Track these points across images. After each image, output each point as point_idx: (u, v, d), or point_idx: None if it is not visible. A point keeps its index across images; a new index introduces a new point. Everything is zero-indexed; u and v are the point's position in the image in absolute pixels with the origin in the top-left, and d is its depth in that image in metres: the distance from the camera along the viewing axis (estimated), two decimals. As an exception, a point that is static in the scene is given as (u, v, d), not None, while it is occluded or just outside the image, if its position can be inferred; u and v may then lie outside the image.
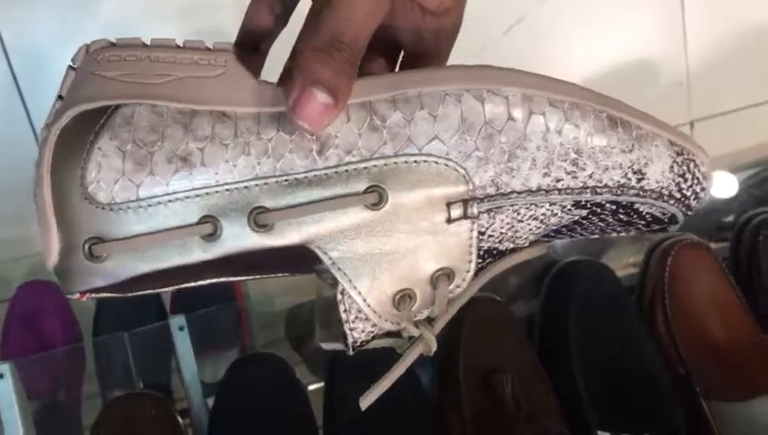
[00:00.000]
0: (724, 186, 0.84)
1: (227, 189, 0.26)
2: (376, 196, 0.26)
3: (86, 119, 0.27)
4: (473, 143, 0.27)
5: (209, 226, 0.26)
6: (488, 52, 0.90)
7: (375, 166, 0.26)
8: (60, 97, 0.27)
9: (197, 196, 0.26)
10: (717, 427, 0.54)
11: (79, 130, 0.26)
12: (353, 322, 0.28)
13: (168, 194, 0.26)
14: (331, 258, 0.27)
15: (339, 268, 0.27)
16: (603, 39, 0.98)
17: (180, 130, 0.26)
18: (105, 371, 0.62)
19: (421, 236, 0.27)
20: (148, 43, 0.28)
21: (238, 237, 0.27)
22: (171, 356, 0.62)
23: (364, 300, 0.28)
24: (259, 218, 0.26)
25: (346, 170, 0.26)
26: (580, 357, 0.56)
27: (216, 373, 0.64)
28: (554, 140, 0.27)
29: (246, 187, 0.26)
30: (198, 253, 0.27)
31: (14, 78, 0.84)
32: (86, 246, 0.26)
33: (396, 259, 0.27)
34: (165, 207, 0.26)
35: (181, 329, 0.56)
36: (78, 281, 0.27)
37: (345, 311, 0.28)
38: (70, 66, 0.28)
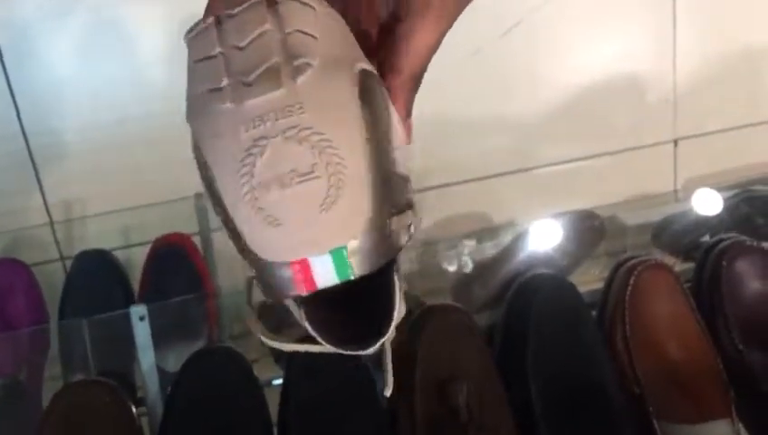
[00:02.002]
0: (708, 203, 0.85)
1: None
2: None
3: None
4: None
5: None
6: (483, 54, 0.90)
7: None
8: (312, 35, 0.22)
9: None
10: (668, 448, 0.55)
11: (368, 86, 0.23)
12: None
13: None
14: None
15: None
16: (596, 49, 0.98)
17: None
18: (67, 355, 0.62)
19: None
20: None
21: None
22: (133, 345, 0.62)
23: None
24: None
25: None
26: (536, 370, 0.56)
27: (180, 363, 0.64)
28: None
29: None
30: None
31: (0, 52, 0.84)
32: (392, 220, 0.23)
33: None
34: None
35: (141, 319, 0.56)
36: (372, 261, 0.23)
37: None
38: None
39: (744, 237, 0.62)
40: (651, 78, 1.01)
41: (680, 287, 0.58)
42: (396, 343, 0.32)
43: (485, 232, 0.92)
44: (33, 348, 0.66)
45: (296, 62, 0.22)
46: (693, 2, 0.98)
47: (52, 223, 0.89)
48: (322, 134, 0.21)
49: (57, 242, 0.89)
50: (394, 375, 0.58)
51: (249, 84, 0.22)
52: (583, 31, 0.97)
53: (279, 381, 0.61)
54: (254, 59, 0.22)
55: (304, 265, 0.23)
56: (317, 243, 0.22)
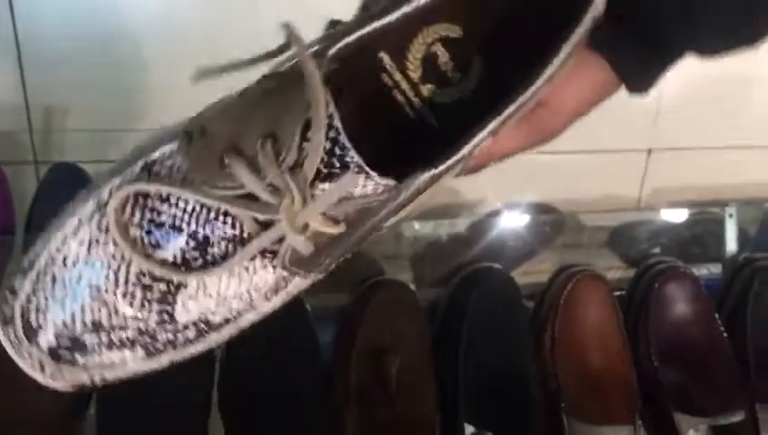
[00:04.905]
0: (667, 218, 0.89)
1: None
2: None
3: None
4: None
5: None
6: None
7: None
8: None
9: None
10: (571, 442, 0.60)
11: None
12: None
13: None
14: None
15: None
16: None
17: None
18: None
19: None
20: None
21: None
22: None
23: None
24: None
25: None
26: (467, 356, 0.61)
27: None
28: None
29: None
30: None
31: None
32: None
33: None
34: None
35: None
36: None
37: None
38: None
39: (679, 263, 0.66)
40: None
41: (611, 300, 0.63)
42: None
43: (450, 208, 0.95)
44: (-3, 254, 0.68)
45: None
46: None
47: (30, 127, 0.90)
48: None
49: (33, 146, 0.91)
50: (335, 340, 0.62)
51: None
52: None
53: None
54: None
55: None
56: None
